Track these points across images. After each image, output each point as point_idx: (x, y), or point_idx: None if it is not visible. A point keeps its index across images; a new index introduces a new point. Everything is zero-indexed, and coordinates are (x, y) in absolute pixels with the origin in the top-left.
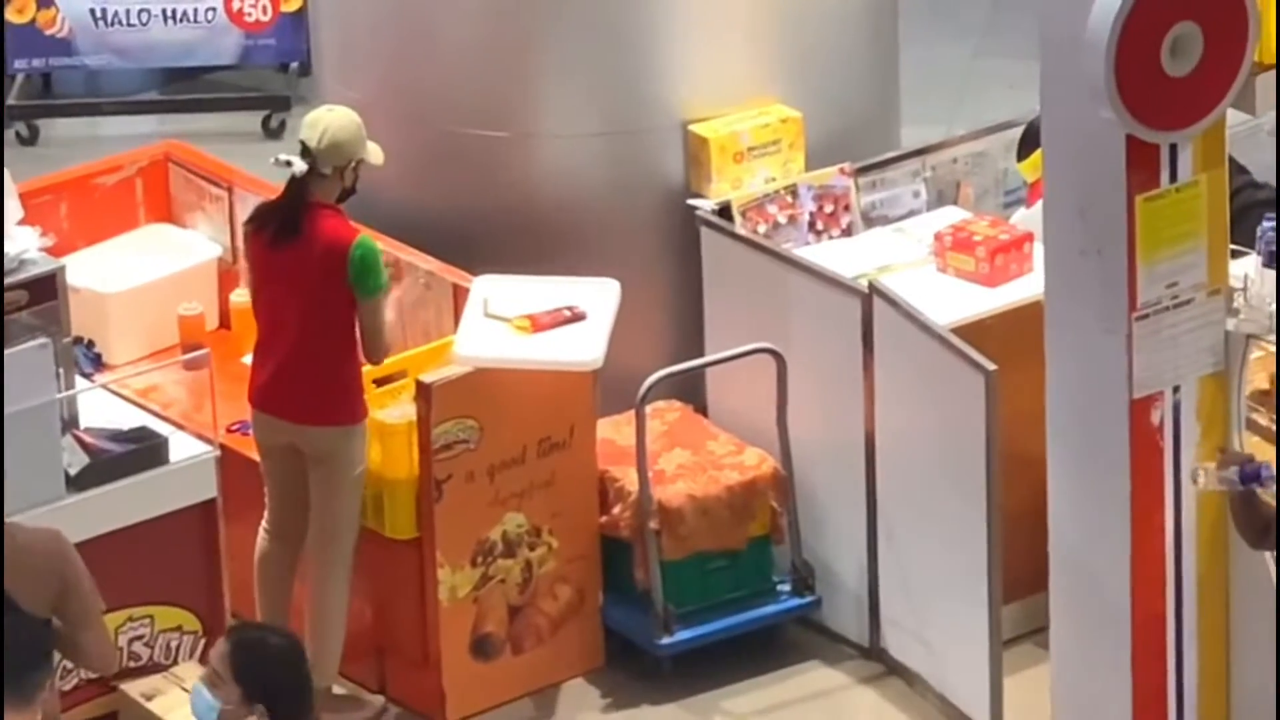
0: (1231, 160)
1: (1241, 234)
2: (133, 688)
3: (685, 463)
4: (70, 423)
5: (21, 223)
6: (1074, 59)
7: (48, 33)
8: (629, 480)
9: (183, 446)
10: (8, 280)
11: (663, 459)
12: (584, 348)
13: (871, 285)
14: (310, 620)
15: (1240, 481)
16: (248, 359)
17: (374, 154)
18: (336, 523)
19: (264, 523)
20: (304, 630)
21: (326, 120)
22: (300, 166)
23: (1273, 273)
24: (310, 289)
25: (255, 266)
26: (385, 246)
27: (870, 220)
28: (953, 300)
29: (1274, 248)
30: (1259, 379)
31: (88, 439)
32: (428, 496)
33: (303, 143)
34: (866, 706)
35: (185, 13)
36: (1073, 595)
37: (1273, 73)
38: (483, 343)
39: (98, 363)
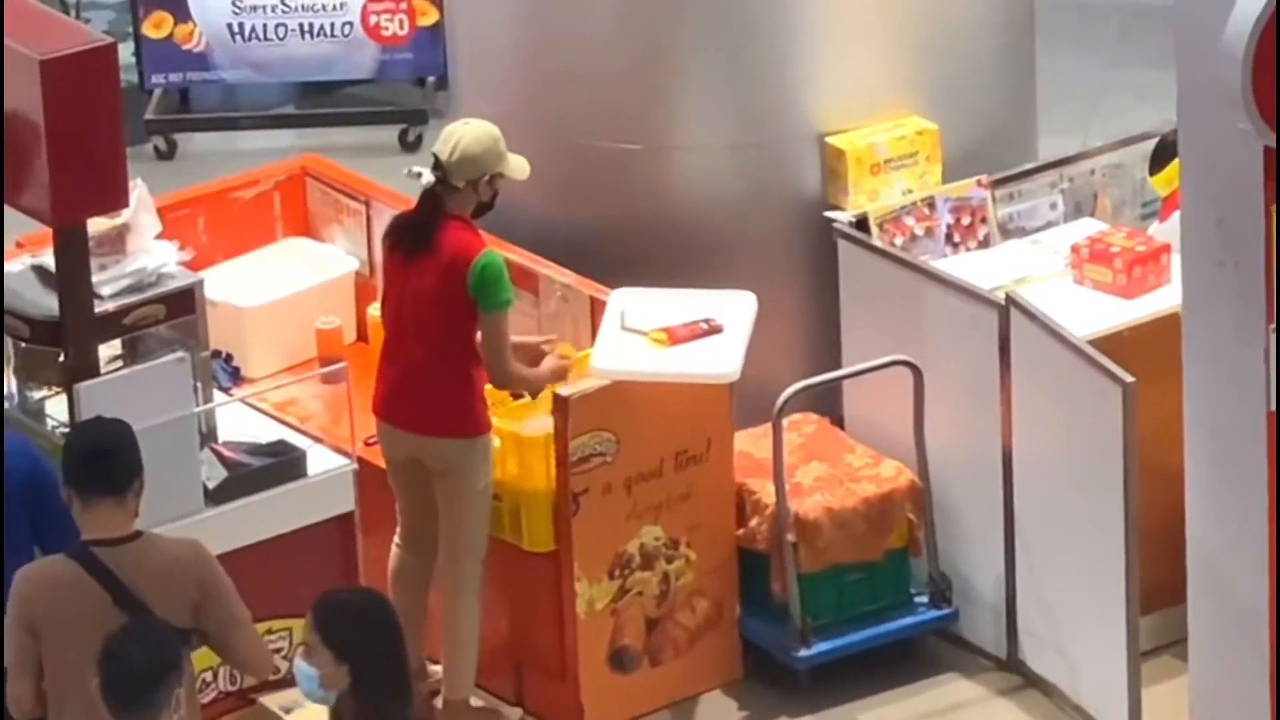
0: None
1: None
2: (271, 700)
3: (822, 475)
4: (209, 436)
5: (159, 237)
6: (1210, 69)
7: (185, 48)
8: (766, 493)
9: (320, 460)
10: (148, 294)
11: (799, 471)
12: (721, 360)
13: (1008, 297)
14: (444, 633)
15: None
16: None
17: (516, 168)
18: (464, 535)
19: (396, 535)
20: (439, 643)
21: (460, 134)
22: (429, 178)
23: None
24: (434, 300)
25: (386, 277)
26: (522, 259)
27: (1007, 232)
28: (1090, 312)
29: None
30: None
31: (226, 452)
32: (565, 509)
33: (435, 155)
34: (1004, 719)
35: (322, 27)
36: (1211, 607)
37: None
38: (620, 356)
39: (236, 376)
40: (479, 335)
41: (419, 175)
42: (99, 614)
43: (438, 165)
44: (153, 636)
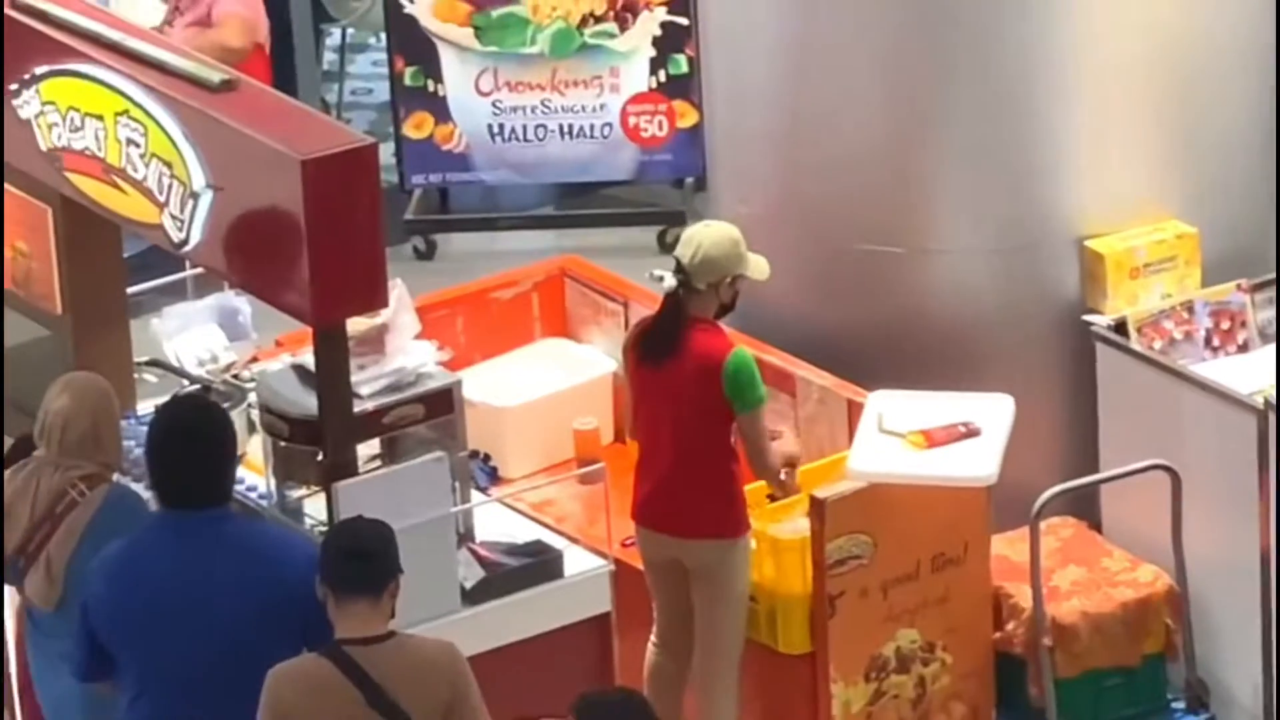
0: None
1: None
2: None
3: (1079, 579)
4: (466, 536)
5: (419, 337)
6: None
7: (445, 148)
8: (1023, 596)
9: (577, 560)
10: (407, 394)
11: (1057, 575)
12: (979, 463)
13: (1267, 402)
14: None
15: None
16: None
17: (757, 269)
18: (721, 637)
19: (652, 636)
20: None
21: (701, 236)
22: (671, 282)
23: None
24: (686, 404)
25: (634, 383)
26: (779, 361)
27: (1266, 336)
28: None
29: None
30: None
31: (483, 552)
32: (821, 612)
33: (677, 259)
34: None
35: (582, 128)
36: None
37: None
38: (877, 458)
39: (493, 476)
40: (735, 435)
41: (661, 279)
42: (351, 713)
43: (679, 269)
44: None
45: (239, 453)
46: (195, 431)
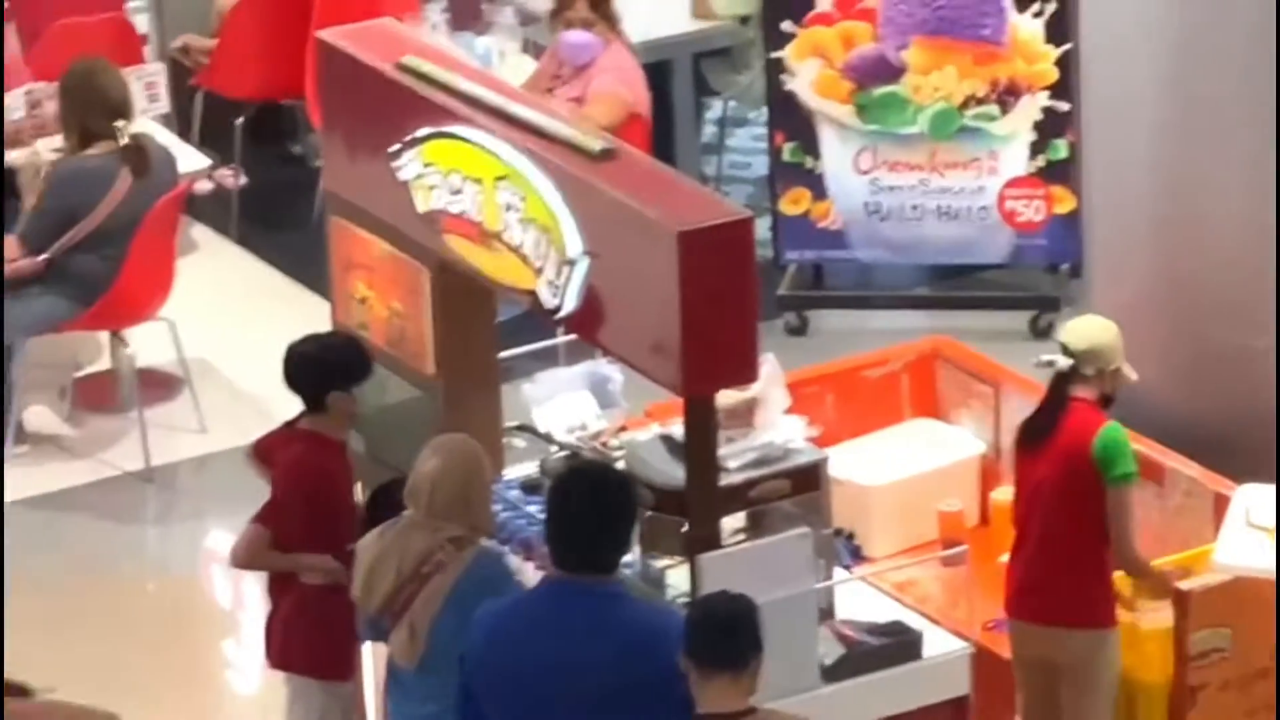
0: None
1: None
2: None
3: None
4: (826, 613)
5: (789, 412)
6: None
7: (821, 225)
8: None
9: (938, 642)
10: (774, 469)
11: None
12: None
13: None
14: None
15: None
16: (1004, 558)
17: (1127, 371)
18: None
19: None
20: None
21: (1088, 323)
22: (1064, 363)
23: None
24: (1059, 484)
25: (1016, 468)
26: (1148, 450)
27: None
28: None
29: None
30: None
31: (844, 630)
32: (1182, 704)
33: (1063, 345)
34: None
35: (959, 210)
36: None
37: None
38: (1244, 552)
39: (856, 554)
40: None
41: (1050, 363)
42: None
43: (1067, 353)
44: None
45: (635, 524)
46: (599, 499)
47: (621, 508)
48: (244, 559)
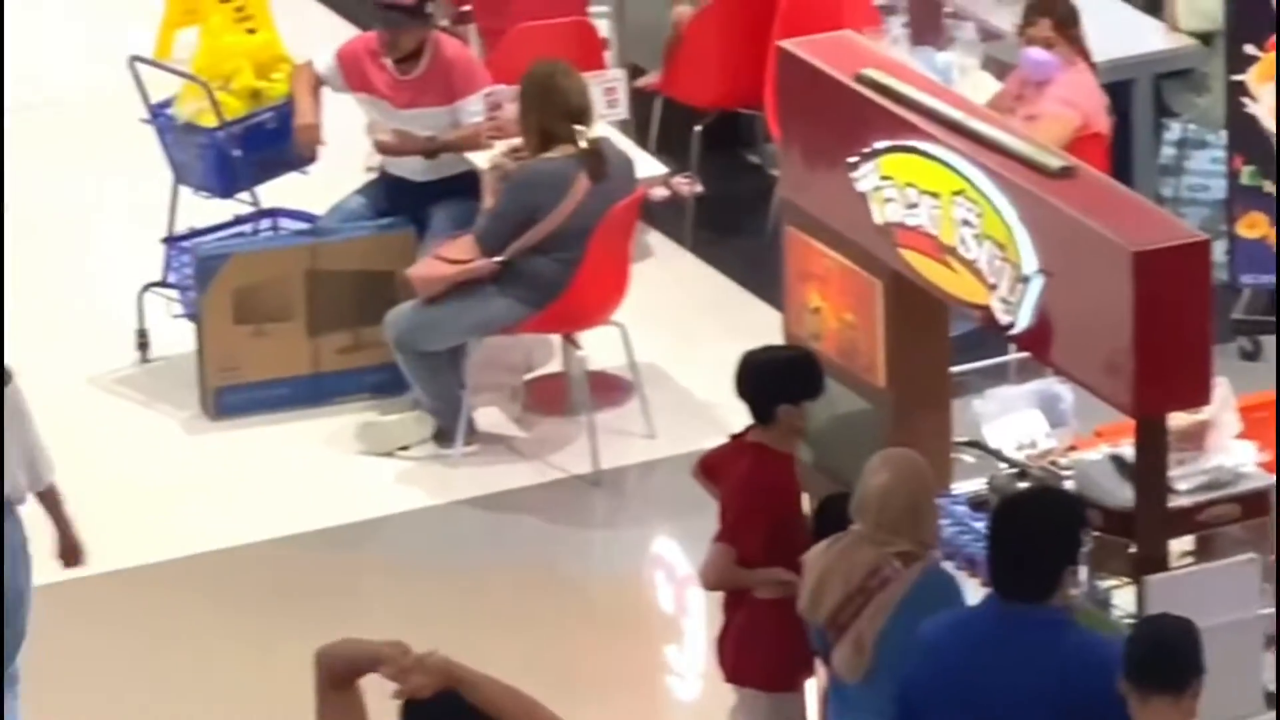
0: None
1: None
2: None
3: None
4: (1272, 639)
5: (1239, 437)
6: None
7: (1277, 249)
8: None
9: None
10: (1224, 493)
11: None
12: None
13: None
14: None
15: None
16: None
17: None
18: None
19: None
20: None
21: None
22: None
23: None
24: None
25: None
26: None
27: None
28: None
29: None
30: None
31: None
32: None
33: None
34: None
35: None
36: None
37: None
38: None
39: None
40: None
41: None
42: None
43: None
44: None
45: (1077, 551)
46: (1038, 524)
47: (1059, 535)
48: (714, 580)
